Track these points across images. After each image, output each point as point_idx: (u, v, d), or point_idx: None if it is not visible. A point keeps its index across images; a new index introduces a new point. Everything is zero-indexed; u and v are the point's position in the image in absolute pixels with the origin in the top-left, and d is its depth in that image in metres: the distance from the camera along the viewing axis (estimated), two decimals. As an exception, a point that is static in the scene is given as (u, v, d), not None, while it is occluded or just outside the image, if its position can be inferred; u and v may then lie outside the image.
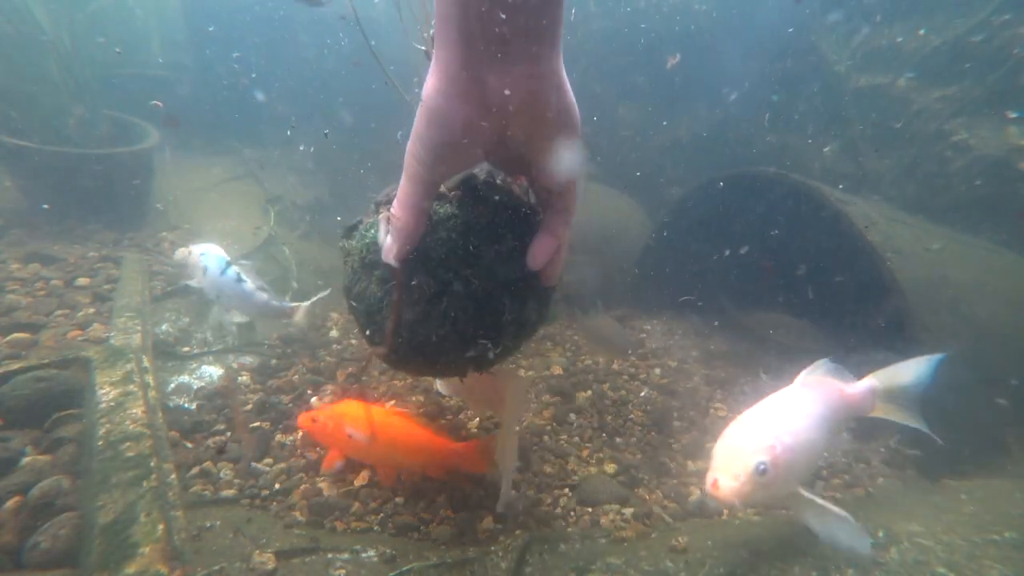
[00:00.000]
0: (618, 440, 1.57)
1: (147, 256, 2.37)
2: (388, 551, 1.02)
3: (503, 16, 0.56)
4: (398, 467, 1.27)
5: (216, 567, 0.93)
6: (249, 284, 1.78)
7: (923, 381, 1.11)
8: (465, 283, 0.88)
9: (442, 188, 0.90)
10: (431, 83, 0.65)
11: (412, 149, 0.71)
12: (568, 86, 0.67)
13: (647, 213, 2.88)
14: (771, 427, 0.97)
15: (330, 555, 1.01)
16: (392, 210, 0.80)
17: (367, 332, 0.99)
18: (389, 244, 0.80)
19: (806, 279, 2.33)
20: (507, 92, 0.62)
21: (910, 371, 1.11)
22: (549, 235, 0.79)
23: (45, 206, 2.45)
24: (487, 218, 0.89)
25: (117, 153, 2.72)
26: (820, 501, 0.94)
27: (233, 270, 1.78)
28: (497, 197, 0.91)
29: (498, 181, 0.93)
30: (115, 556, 0.83)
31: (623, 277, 2.51)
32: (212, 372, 1.64)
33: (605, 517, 1.26)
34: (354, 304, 0.99)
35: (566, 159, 0.72)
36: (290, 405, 1.55)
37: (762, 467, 0.90)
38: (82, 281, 1.98)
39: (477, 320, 0.91)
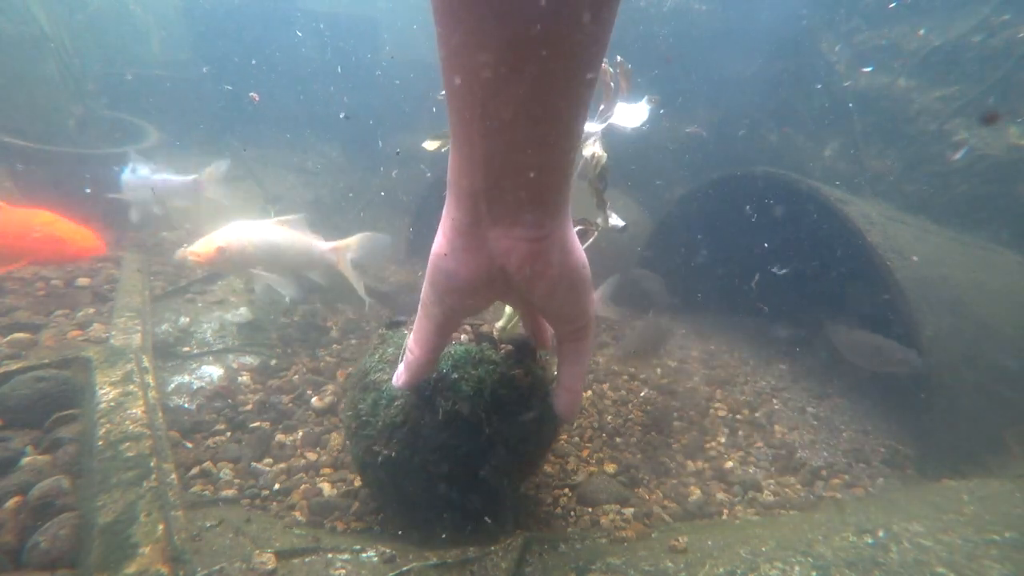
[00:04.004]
0: (618, 440, 1.57)
1: (147, 256, 2.37)
2: (388, 551, 1.02)
3: (507, 186, 0.60)
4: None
5: (216, 567, 0.93)
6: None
7: None
8: (479, 431, 0.96)
9: (496, 333, 1.05)
10: (440, 238, 0.69)
11: (425, 291, 0.76)
12: (575, 246, 0.70)
13: (647, 213, 2.88)
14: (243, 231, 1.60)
15: (330, 555, 1.01)
16: (408, 342, 0.87)
17: (351, 439, 1.07)
18: (400, 371, 0.87)
19: (805, 279, 2.33)
20: (508, 253, 0.65)
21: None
22: (566, 391, 0.85)
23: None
24: (524, 378, 0.99)
25: (117, 153, 2.72)
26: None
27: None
28: (538, 369, 1.03)
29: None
30: (115, 556, 0.83)
31: (622, 277, 2.51)
32: (212, 372, 1.64)
33: (605, 517, 1.26)
34: (357, 402, 1.05)
35: (570, 316, 0.76)
36: (290, 405, 1.55)
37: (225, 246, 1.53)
38: (82, 281, 1.98)
39: (478, 462, 0.99)
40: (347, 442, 1.11)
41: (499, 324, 1.16)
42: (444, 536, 1.09)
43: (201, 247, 1.64)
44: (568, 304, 0.74)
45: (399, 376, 0.88)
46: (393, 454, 0.97)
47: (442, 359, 0.96)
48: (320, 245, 1.78)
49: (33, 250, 1.50)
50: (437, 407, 0.94)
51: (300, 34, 4.48)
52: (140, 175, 2.17)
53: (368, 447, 1.00)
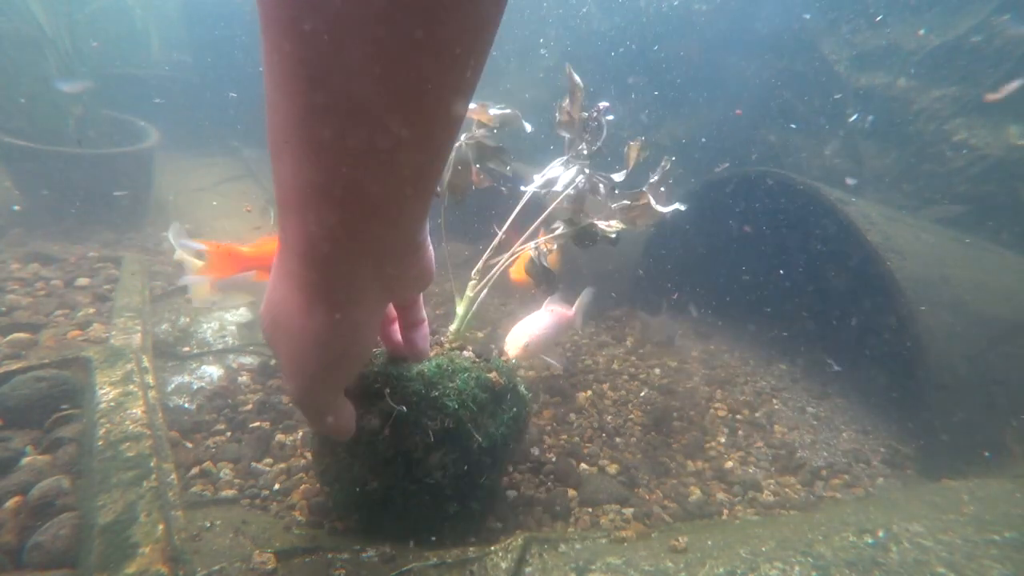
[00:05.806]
0: (618, 440, 1.57)
1: (147, 256, 2.37)
2: (388, 551, 1.02)
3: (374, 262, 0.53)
4: None
5: (216, 567, 0.93)
6: None
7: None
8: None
9: (450, 336, 1.14)
10: (331, 332, 0.58)
11: (308, 386, 0.65)
12: (422, 250, 0.59)
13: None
14: (529, 328, 1.55)
15: (330, 555, 1.01)
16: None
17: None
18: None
19: (807, 279, 2.33)
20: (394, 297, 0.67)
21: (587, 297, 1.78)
22: (419, 324, 0.78)
23: (44, 191, 2.48)
24: (498, 380, 1.03)
25: (117, 153, 2.72)
26: (550, 360, 1.63)
27: None
28: (505, 368, 1.10)
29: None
30: (115, 556, 0.83)
31: (622, 277, 2.51)
32: (212, 372, 1.64)
33: (605, 517, 1.26)
34: (335, 445, 1.03)
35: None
36: (290, 405, 1.55)
37: (527, 343, 1.50)
38: (82, 281, 1.98)
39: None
40: (325, 488, 1.06)
41: (452, 328, 1.17)
42: (439, 539, 1.09)
43: None
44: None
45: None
46: (390, 485, 0.95)
47: (413, 380, 0.92)
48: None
49: None
50: (426, 429, 0.91)
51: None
52: None
53: (362, 484, 0.97)
